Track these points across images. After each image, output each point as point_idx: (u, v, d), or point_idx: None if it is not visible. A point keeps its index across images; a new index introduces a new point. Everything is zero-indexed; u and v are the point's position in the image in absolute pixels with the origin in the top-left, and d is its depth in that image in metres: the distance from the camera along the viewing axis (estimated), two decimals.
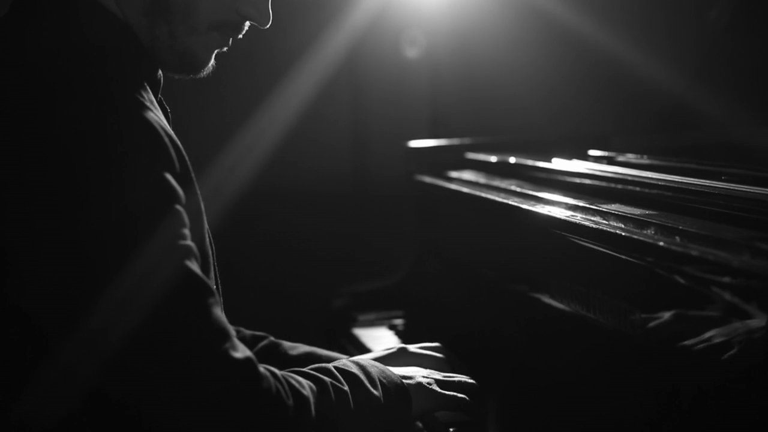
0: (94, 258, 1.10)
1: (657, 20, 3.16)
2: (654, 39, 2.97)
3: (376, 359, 1.52)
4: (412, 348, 1.62)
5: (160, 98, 1.40)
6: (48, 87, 1.15)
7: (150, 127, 1.18)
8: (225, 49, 1.39)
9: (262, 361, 1.23)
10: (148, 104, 1.23)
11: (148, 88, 1.31)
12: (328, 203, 3.18)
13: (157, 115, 1.25)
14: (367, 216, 3.18)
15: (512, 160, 2.14)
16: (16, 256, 1.12)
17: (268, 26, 1.38)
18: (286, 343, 1.70)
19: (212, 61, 1.39)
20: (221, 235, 1.58)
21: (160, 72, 1.39)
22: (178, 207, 1.17)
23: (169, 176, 1.16)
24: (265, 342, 1.70)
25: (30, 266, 1.11)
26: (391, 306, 2.34)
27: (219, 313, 1.19)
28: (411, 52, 3.19)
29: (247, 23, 1.38)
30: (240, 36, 1.39)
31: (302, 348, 1.70)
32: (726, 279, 1.16)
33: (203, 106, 2.91)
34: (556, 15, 3.03)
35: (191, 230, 1.19)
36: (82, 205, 1.10)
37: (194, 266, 1.17)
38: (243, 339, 1.67)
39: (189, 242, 1.18)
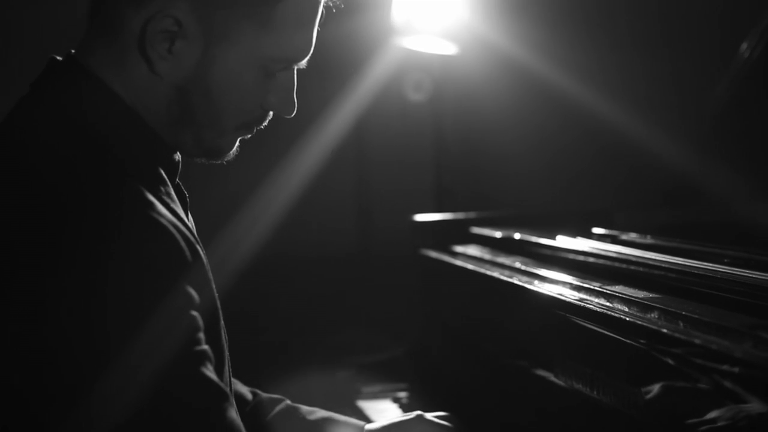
0: (109, 367, 1.09)
1: (662, 94, 3.21)
2: (658, 113, 3.02)
3: (393, 425, 1.54)
4: (429, 416, 1.62)
5: (178, 183, 1.41)
6: (55, 192, 1.15)
7: (162, 233, 1.16)
8: (249, 136, 1.41)
9: (279, 425, 1.24)
10: (161, 202, 1.22)
11: (163, 174, 1.33)
12: (333, 273, 3.21)
13: (172, 207, 1.26)
14: (372, 286, 3.20)
15: (517, 236, 2.16)
16: (28, 371, 1.10)
17: (291, 116, 1.40)
18: (304, 408, 1.69)
19: (236, 147, 1.41)
20: (228, 301, 1.60)
21: (178, 155, 1.40)
22: (193, 312, 1.17)
23: (182, 281, 1.16)
24: (282, 406, 1.68)
25: (43, 383, 1.10)
26: (395, 378, 2.35)
27: (234, 416, 1.19)
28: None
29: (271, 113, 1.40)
30: (262, 126, 1.41)
31: (320, 413, 1.69)
32: (728, 368, 1.18)
33: (212, 175, 2.94)
34: (562, 89, 3.08)
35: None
36: (93, 318, 1.09)
37: (210, 372, 1.17)
38: (260, 402, 1.68)
39: (204, 347, 1.17)
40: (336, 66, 3.18)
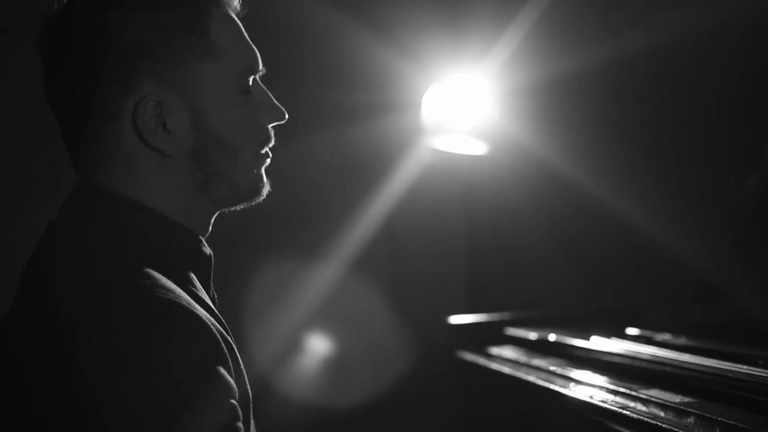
0: None
1: (691, 193, 3.25)
2: (688, 212, 3.05)
3: None
4: None
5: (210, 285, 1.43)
6: (100, 301, 1.17)
7: (199, 324, 1.19)
8: (269, 161, 1.44)
9: None
10: (193, 297, 1.25)
11: (194, 277, 1.35)
12: (364, 368, 3.20)
13: (205, 302, 1.29)
14: (405, 386, 3.20)
15: (552, 337, 2.19)
16: None
17: (287, 118, 1.42)
18: None
19: (267, 181, 1.43)
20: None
21: (209, 249, 1.42)
22: (232, 401, 1.19)
23: (221, 372, 1.18)
24: None
25: None
26: None
27: None
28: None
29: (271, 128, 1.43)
30: (272, 143, 1.43)
31: None
32: None
33: (246, 272, 2.99)
34: (591, 190, 3.13)
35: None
36: (138, 409, 1.11)
37: None
38: None
39: None
40: (367, 165, 3.24)
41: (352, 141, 3.21)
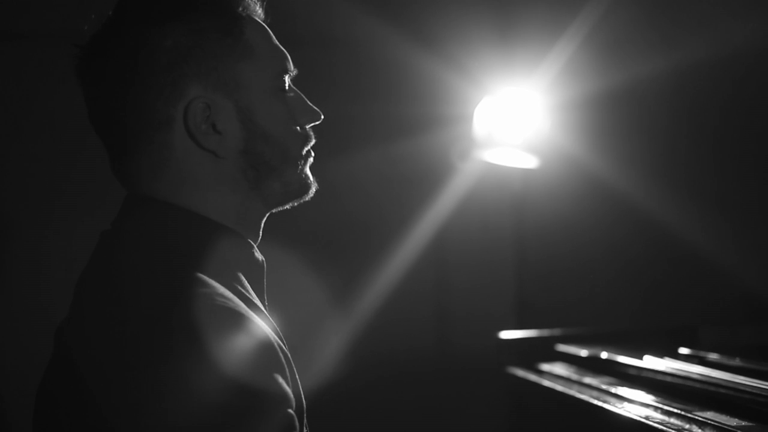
0: None
1: (749, 209, 3.22)
2: (745, 229, 3.03)
3: None
4: None
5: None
6: (164, 312, 1.20)
7: (258, 332, 1.21)
8: (311, 159, 1.46)
9: None
10: (254, 312, 1.27)
11: (248, 285, 1.37)
12: (412, 389, 3.21)
13: (261, 310, 1.31)
14: (452, 398, 3.21)
15: (604, 355, 2.18)
16: None
17: (322, 119, 1.46)
18: None
19: (313, 179, 1.46)
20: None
21: (261, 256, 1.44)
22: (290, 411, 1.21)
23: (279, 380, 1.21)
24: None
25: None
26: None
27: None
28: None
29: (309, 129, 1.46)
30: (313, 141, 1.46)
31: None
32: None
33: (296, 290, 3.01)
34: (643, 204, 3.12)
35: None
36: (200, 415, 1.13)
37: None
38: None
39: None
40: (418, 177, 3.26)
41: (404, 154, 3.23)
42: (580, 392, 1.96)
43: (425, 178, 3.27)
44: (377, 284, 3.14)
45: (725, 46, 3.10)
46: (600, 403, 1.84)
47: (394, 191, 3.24)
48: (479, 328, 3.06)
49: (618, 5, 3.14)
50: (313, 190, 1.46)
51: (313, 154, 1.46)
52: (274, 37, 1.45)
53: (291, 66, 1.45)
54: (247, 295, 1.34)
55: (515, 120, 3.13)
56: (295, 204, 1.47)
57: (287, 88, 1.44)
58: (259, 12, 1.45)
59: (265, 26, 1.45)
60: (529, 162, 3.16)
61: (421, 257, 3.22)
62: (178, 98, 1.33)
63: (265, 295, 1.46)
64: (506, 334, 2.48)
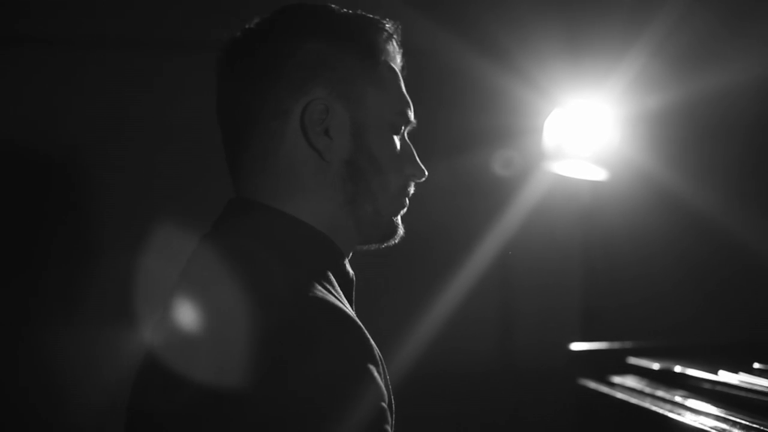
0: None
1: None
2: None
3: None
4: None
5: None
6: (275, 311, 1.23)
7: (357, 328, 1.25)
8: (405, 210, 1.49)
9: None
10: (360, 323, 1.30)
11: (341, 292, 1.40)
12: (476, 402, 3.20)
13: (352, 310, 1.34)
14: (517, 415, 3.19)
15: (677, 368, 2.16)
16: None
17: (425, 178, 1.48)
18: None
19: (402, 227, 1.49)
20: None
21: (351, 271, 1.47)
22: (383, 404, 1.24)
23: (376, 375, 1.24)
24: None
25: None
26: None
27: None
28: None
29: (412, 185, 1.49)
30: (411, 193, 1.49)
31: None
32: None
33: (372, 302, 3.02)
34: (714, 217, 3.08)
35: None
36: (303, 406, 1.17)
37: None
38: None
39: None
40: (487, 188, 3.25)
41: (470, 166, 3.23)
42: (654, 405, 1.95)
43: (493, 190, 3.26)
44: (446, 294, 3.14)
45: None
46: (675, 416, 1.82)
47: (463, 203, 3.24)
48: (549, 341, 3.04)
49: (691, 14, 3.11)
50: (400, 234, 1.49)
51: (407, 204, 1.49)
52: (403, 86, 1.49)
53: (412, 117, 1.49)
54: (341, 299, 1.37)
55: (585, 132, 3.12)
56: (381, 246, 1.51)
57: (403, 132, 1.48)
58: (398, 61, 1.50)
59: (399, 73, 1.49)
60: (599, 174, 3.14)
61: (485, 273, 3.20)
62: (303, 93, 1.39)
63: (353, 307, 1.49)
64: (577, 346, 2.48)
